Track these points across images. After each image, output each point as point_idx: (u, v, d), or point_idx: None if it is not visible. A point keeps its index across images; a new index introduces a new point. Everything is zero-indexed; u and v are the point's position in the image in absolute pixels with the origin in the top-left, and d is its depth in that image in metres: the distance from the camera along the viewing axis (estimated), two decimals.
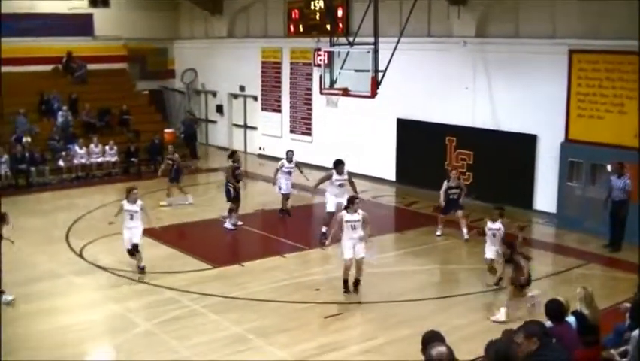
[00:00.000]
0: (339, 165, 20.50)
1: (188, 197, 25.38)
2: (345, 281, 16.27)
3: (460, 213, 20.80)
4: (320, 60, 23.89)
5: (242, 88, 35.49)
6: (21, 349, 13.59)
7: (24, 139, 29.95)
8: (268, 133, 33.90)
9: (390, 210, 24.85)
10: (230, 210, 22.43)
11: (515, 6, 23.69)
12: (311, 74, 30.89)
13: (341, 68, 22.56)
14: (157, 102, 38.16)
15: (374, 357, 13.23)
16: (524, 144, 23.31)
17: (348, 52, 22.57)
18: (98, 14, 36.54)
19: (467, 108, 24.91)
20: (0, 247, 16.16)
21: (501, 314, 14.59)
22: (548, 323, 10.19)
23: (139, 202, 17.65)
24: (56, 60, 35.48)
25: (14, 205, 25.44)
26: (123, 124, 33.77)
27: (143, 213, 17.76)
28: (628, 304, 11.72)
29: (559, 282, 17.18)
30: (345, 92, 22.66)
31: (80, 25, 36.02)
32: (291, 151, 24.05)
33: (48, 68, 35.31)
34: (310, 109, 31.51)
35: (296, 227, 23.46)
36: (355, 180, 20.77)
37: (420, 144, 26.46)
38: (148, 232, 20.87)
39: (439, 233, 21.10)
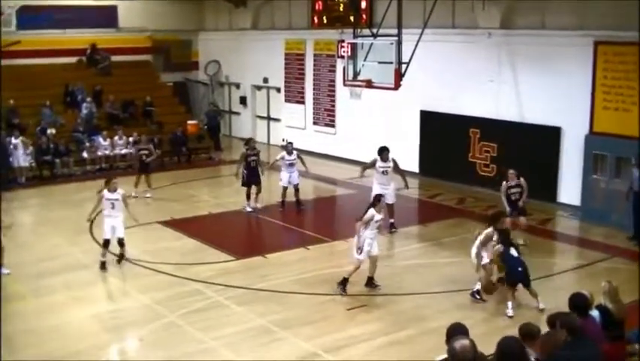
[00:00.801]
0: (383, 151, 20.33)
1: (148, 191, 25.50)
2: (346, 280, 15.88)
3: (522, 220, 18.94)
4: (343, 52, 23.94)
5: (265, 80, 35.51)
6: (47, 339, 13.75)
7: (49, 131, 30.16)
8: (292, 125, 33.88)
9: (413, 203, 24.79)
10: (248, 196, 22.93)
11: None
12: (334, 66, 30.86)
13: (364, 60, 22.59)
14: (181, 94, 38.24)
15: (399, 350, 13.21)
16: (548, 137, 23.17)
17: (371, 43, 22.59)
18: (123, 6, 36.65)
19: (491, 100, 24.80)
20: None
21: (509, 310, 14.51)
22: None
23: (119, 191, 17.68)
24: (81, 52, 35.63)
25: (39, 196, 25.87)
26: (147, 116, 33.89)
27: (123, 202, 17.74)
28: None
29: (583, 275, 17.10)
30: (369, 84, 22.69)
31: (104, 16, 36.17)
32: (290, 143, 23.95)
33: (72, 59, 35.48)
34: (334, 101, 31.49)
35: (320, 219, 23.53)
36: None
37: (443, 136, 26.39)
38: (172, 224, 21.10)
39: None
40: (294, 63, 33.54)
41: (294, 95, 33.74)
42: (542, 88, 23.33)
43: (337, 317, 14.74)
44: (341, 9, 30.21)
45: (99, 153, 30.42)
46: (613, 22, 21.04)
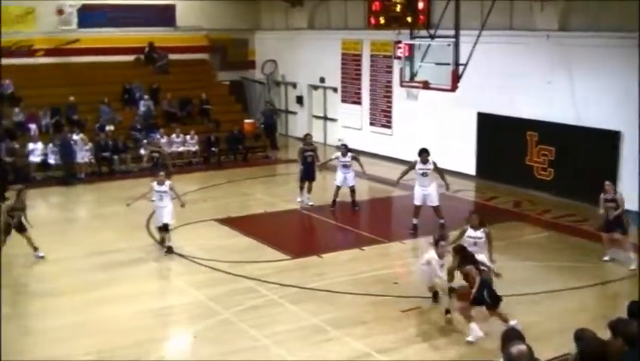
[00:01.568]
0: (422, 153, 20.38)
1: None
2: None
3: (618, 235, 17.65)
4: (400, 53, 23.87)
5: (322, 79, 35.56)
6: (101, 332, 13.98)
7: (107, 128, 30.60)
8: (348, 125, 33.88)
9: (469, 205, 24.59)
10: (301, 188, 23.52)
11: None
12: (391, 67, 30.80)
13: (421, 61, 22.50)
14: (237, 93, 38.48)
15: (453, 352, 13.17)
16: (607, 140, 22.78)
17: (429, 45, 22.49)
18: (181, 5, 37.02)
19: (549, 103, 24.49)
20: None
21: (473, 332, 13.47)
22: None
23: (167, 183, 18.84)
24: (139, 50, 36.11)
25: (97, 192, 26.26)
26: (204, 114, 34.16)
27: (171, 192, 18.87)
28: None
29: None
30: (426, 85, 22.62)
31: (162, 15, 36.61)
32: (344, 145, 24.12)
33: (131, 58, 35.99)
34: (390, 102, 31.43)
35: (375, 220, 23.51)
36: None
37: (500, 139, 26.16)
38: (228, 222, 21.26)
39: (606, 258, 17.95)
40: (350, 63, 33.54)
41: (351, 96, 33.73)
42: (600, 91, 22.95)
43: (390, 318, 14.68)
44: (398, 9, 30.05)
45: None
46: None
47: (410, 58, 23.24)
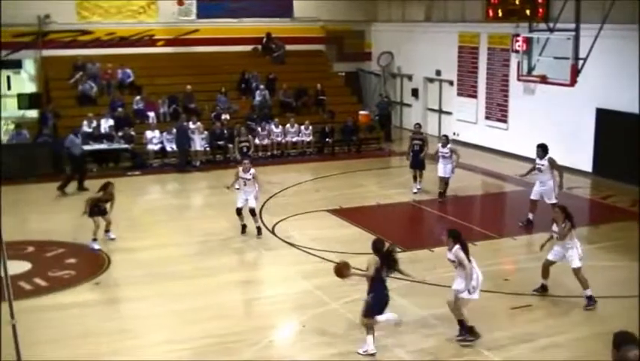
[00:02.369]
0: (537, 148, 20.11)
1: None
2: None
3: None
4: (518, 46, 23.56)
5: (438, 72, 35.35)
6: (210, 319, 14.29)
7: (223, 116, 31.13)
8: (463, 119, 33.61)
9: (584, 203, 24.14)
10: (414, 178, 24.23)
11: None
12: (508, 60, 30.35)
13: (540, 55, 22.16)
14: (352, 84, 38.62)
15: (563, 352, 12.96)
16: None
17: (547, 38, 22.14)
18: None
19: None
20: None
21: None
22: None
23: (251, 171, 19.63)
24: (256, 41, 36.66)
25: (212, 179, 26.72)
26: (319, 104, 34.38)
27: (254, 179, 19.64)
28: None
29: None
30: (544, 80, 22.32)
31: (280, 7, 36.95)
32: (445, 136, 24.24)
33: (248, 48, 36.60)
34: (506, 96, 30.98)
35: (487, 215, 23.30)
36: None
37: (620, 136, 25.38)
38: (340, 213, 21.39)
39: None
40: (467, 56, 33.24)
41: (467, 89, 33.43)
42: None
43: (500, 315, 14.55)
44: (517, 2, 29.65)
45: (271, 140, 31.14)
46: None
47: (528, 51, 22.93)
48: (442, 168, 23.23)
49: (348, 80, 38.67)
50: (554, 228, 15.14)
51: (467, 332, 13.20)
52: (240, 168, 19.76)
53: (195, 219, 22.11)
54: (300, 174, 26.02)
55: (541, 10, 26.92)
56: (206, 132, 29.67)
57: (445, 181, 23.38)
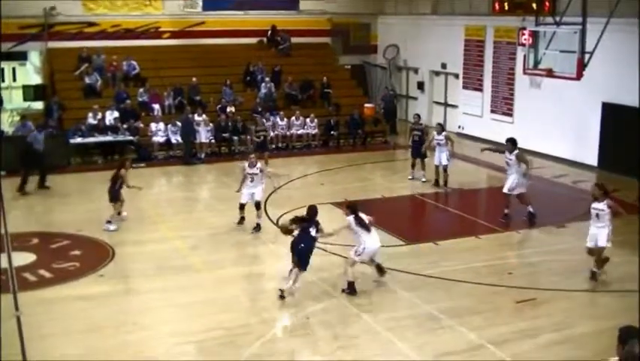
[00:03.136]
0: (507, 142, 20.30)
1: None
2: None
3: None
4: (524, 39, 23.51)
5: (443, 65, 35.29)
6: (218, 311, 14.30)
7: (228, 109, 31.09)
8: (468, 112, 33.57)
9: (589, 196, 24.04)
10: (412, 165, 24.90)
11: None
12: (514, 54, 30.29)
13: (546, 49, 22.11)
14: (358, 77, 38.56)
15: (566, 348, 12.88)
16: None
17: (554, 32, 22.09)
18: None
19: None
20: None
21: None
22: None
23: (258, 165, 19.59)
24: (261, 33, 36.60)
25: (217, 171, 26.74)
26: (324, 97, 34.33)
27: (261, 174, 19.63)
28: None
29: None
30: (550, 73, 22.26)
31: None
32: (440, 124, 24.86)
33: (253, 40, 36.56)
34: (512, 89, 30.93)
35: (492, 208, 23.22)
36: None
37: (626, 130, 25.31)
38: (343, 206, 21.34)
39: None
40: (473, 50, 33.17)
41: (473, 82, 33.37)
42: None
43: (505, 310, 14.52)
44: None
45: (276, 133, 31.07)
46: None
47: (534, 45, 22.87)
48: (437, 156, 23.64)
49: (354, 73, 38.59)
50: (594, 205, 15.55)
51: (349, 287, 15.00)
52: (246, 163, 19.62)
53: (200, 212, 22.13)
54: (306, 167, 25.99)
55: (547, 3, 26.81)
56: (211, 125, 29.62)
57: (443, 169, 23.65)
